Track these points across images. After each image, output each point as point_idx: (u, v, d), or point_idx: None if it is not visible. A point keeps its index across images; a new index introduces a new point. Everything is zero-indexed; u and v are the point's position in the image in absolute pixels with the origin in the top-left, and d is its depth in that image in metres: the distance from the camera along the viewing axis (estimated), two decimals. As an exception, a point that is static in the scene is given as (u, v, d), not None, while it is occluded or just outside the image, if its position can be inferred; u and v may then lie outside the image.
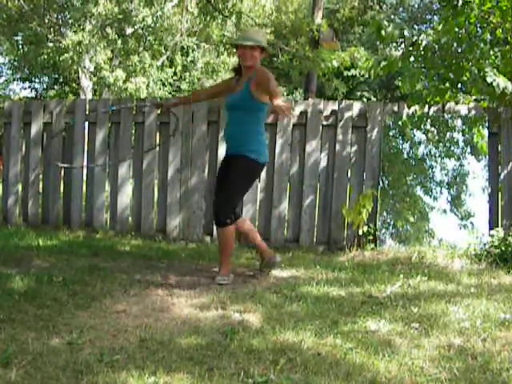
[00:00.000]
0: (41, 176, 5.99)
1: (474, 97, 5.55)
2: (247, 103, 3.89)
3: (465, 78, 5.00)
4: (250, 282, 3.82)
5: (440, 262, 4.44)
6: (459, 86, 5.25)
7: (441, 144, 5.35)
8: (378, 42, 6.22)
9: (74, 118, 5.73)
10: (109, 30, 13.63)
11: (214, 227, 5.26)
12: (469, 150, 5.27)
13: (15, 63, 22.13)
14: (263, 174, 5.43)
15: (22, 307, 2.97)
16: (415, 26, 22.62)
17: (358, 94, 23.03)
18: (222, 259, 3.95)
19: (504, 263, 4.27)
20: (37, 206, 5.94)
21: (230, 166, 3.98)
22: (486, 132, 5.15)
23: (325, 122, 5.35)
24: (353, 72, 13.80)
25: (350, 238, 5.18)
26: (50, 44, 14.40)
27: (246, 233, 4.20)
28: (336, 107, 5.35)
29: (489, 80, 4.68)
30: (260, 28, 16.54)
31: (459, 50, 4.94)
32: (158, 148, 5.62)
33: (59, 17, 14.84)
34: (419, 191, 5.38)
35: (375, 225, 5.11)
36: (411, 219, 5.27)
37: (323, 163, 5.35)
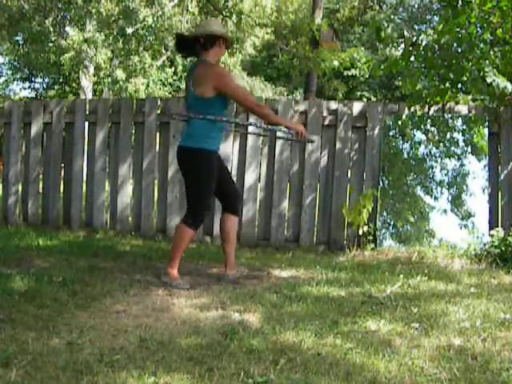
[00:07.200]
0: (41, 176, 5.99)
1: (470, 96, 5.55)
2: None
3: (465, 78, 5.00)
4: (250, 282, 3.82)
5: (440, 262, 4.44)
6: (459, 85, 5.26)
7: (441, 144, 5.35)
8: (377, 43, 6.22)
9: None
10: (111, 29, 13.62)
11: (214, 227, 5.29)
12: (469, 149, 5.27)
13: (15, 63, 22.14)
14: (263, 174, 5.44)
15: (22, 307, 2.97)
16: (415, 26, 22.63)
17: (358, 94, 23.01)
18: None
19: (504, 263, 4.28)
20: (37, 205, 5.94)
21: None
22: (486, 132, 5.14)
23: (325, 122, 5.35)
24: (353, 72, 13.82)
25: (350, 238, 5.18)
26: (51, 44, 14.38)
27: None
28: (336, 107, 5.35)
29: (489, 80, 4.69)
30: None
31: (459, 50, 4.95)
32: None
33: (60, 15, 14.80)
34: (419, 191, 5.39)
35: (375, 225, 5.10)
36: (411, 219, 5.27)
37: (323, 163, 5.36)
